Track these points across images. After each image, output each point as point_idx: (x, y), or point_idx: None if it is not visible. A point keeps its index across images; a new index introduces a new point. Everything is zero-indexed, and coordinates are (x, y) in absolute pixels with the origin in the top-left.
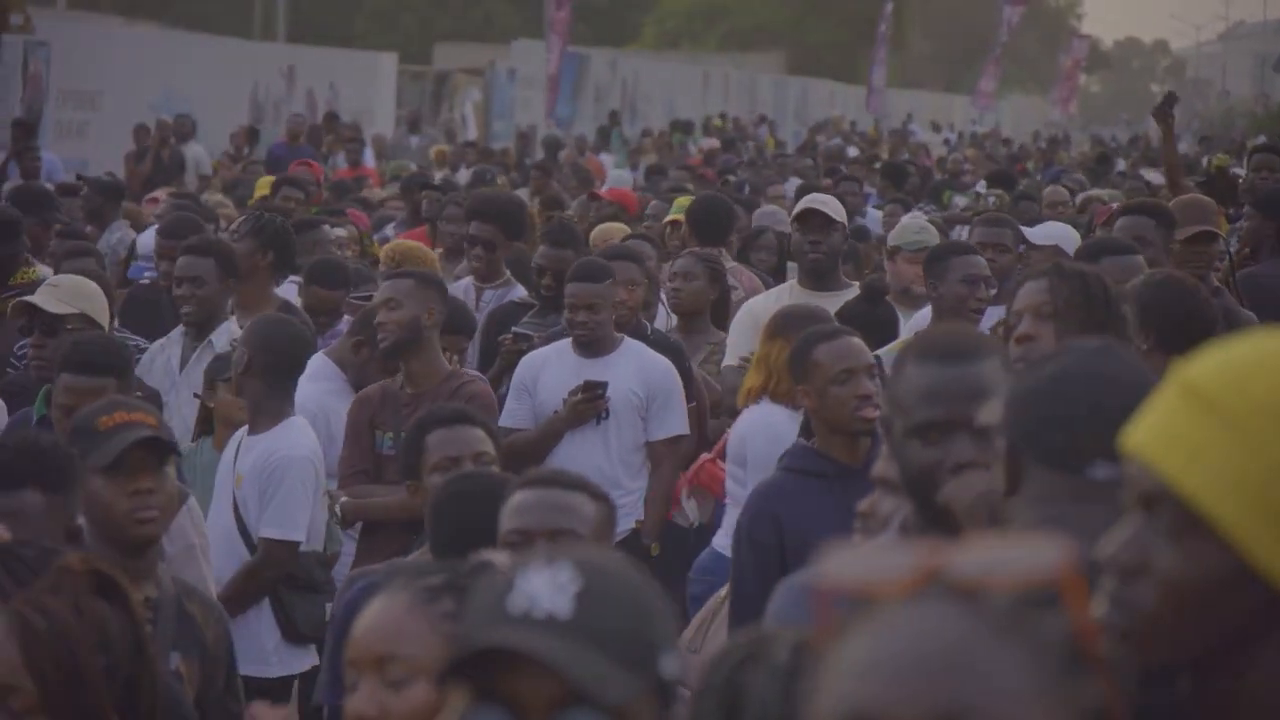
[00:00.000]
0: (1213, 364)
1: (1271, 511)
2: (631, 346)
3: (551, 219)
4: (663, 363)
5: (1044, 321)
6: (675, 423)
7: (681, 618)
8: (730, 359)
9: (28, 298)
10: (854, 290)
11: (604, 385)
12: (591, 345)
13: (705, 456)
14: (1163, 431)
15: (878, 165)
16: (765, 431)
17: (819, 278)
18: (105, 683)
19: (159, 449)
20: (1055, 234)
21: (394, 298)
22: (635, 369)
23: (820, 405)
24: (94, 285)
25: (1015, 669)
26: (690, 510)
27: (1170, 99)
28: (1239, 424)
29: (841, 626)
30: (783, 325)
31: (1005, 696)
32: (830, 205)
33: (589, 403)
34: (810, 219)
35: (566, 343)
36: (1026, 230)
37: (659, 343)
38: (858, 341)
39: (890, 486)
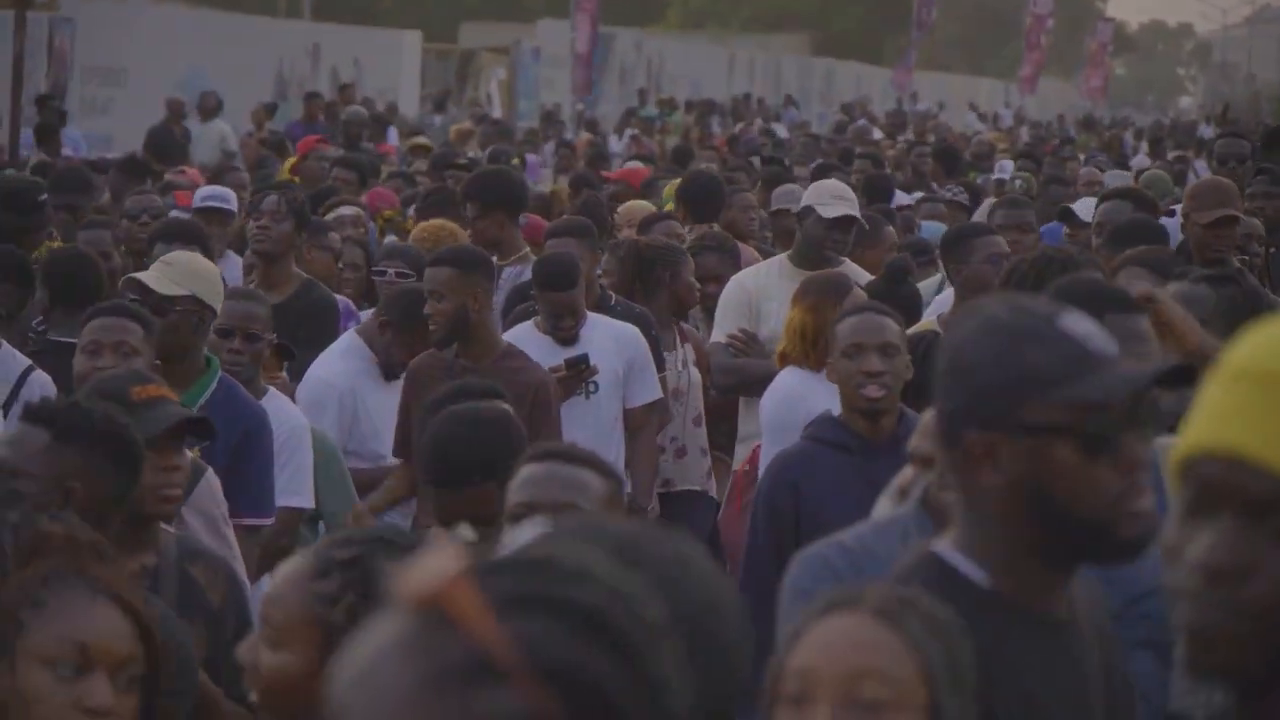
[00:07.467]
0: (1263, 343)
1: None
2: (595, 320)
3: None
4: (632, 330)
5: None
6: (652, 388)
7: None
8: (718, 335)
9: (138, 275)
10: (842, 267)
11: (585, 357)
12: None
13: (757, 443)
14: (1229, 419)
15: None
16: (777, 393)
17: (813, 258)
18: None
19: (191, 429)
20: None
21: (436, 289)
22: (611, 341)
23: (834, 378)
24: (209, 264)
25: (410, 699)
26: (710, 489)
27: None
28: None
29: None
30: (801, 293)
31: None
32: (857, 208)
33: (578, 378)
34: (843, 223)
35: (530, 325)
36: (1076, 207)
37: (625, 313)
38: (878, 319)
39: (922, 461)
